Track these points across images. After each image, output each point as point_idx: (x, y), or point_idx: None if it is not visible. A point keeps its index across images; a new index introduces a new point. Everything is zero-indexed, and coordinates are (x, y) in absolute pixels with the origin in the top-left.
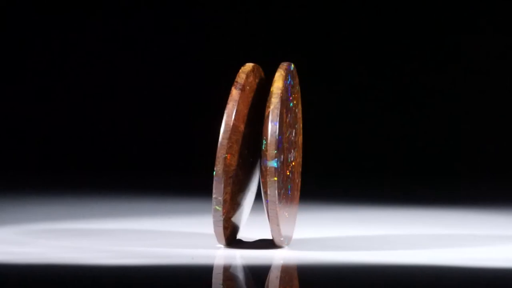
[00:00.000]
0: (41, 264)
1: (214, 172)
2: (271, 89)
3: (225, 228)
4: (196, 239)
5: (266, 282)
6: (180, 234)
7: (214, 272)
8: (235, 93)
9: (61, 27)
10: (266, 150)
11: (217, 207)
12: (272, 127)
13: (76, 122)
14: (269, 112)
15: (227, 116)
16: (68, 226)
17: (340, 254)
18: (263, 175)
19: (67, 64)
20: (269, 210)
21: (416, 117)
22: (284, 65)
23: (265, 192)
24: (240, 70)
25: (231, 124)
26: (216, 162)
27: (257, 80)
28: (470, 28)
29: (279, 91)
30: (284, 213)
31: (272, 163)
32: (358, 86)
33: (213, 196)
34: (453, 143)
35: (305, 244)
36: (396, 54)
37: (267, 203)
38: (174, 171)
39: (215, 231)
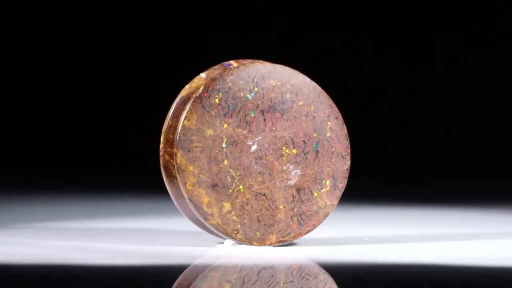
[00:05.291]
0: (41, 264)
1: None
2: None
3: None
4: (196, 239)
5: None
6: (180, 234)
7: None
8: None
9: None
10: None
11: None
12: None
13: (74, 121)
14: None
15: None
16: (68, 225)
17: (346, 253)
18: None
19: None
20: None
21: (418, 116)
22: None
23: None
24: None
25: None
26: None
27: None
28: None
29: None
30: None
31: None
32: (356, 85)
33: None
34: (453, 142)
35: (308, 242)
36: (397, 54)
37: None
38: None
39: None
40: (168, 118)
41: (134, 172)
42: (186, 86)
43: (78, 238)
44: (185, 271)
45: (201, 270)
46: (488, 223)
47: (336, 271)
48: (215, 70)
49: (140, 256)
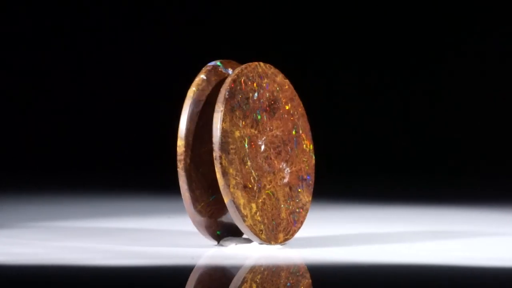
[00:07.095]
0: (41, 264)
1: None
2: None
3: None
4: (196, 239)
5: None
6: (180, 234)
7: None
8: None
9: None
10: None
11: None
12: None
13: (74, 122)
14: None
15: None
16: (68, 225)
17: (337, 253)
18: None
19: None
20: None
21: (417, 115)
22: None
23: None
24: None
25: None
26: None
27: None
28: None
29: None
30: None
31: None
32: (355, 85)
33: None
34: (453, 142)
35: (300, 242)
36: (397, 54)
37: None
38: (174, 170)
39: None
40: (185, 122)
41: (134, 173)
42: (193, 88)
43: (78, 238)
44: (192, 272)
45: (233, 272)
46: (488, 223)
47: (340, 271)
48: (210, 71)
49: (140, 256)
